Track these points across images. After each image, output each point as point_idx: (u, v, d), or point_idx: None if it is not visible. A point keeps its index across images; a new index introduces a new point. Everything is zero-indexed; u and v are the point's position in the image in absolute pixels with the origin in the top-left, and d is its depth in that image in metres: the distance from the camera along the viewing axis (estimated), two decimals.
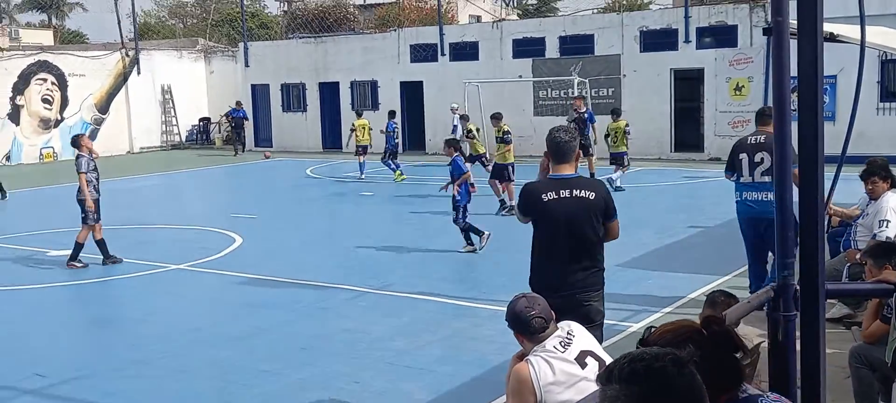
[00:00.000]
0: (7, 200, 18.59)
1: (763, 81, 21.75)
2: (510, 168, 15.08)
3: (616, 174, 16.97)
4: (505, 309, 4.12)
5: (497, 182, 15.29)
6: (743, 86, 22.40)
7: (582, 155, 17.87)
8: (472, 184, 12.28)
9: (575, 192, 5.09)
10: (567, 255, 5.11)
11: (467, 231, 11.91)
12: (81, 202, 11.77)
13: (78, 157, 11.95)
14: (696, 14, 23.18)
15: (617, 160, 17.68)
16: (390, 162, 20.33)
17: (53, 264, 12.16)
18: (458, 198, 11.93)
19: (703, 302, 4.84)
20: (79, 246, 11.70)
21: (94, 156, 12.14)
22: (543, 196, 5.10)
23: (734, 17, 22.61)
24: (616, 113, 18.65)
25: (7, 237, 14.21)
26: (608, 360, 3.86)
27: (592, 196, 5.15)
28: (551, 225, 5.11)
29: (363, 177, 20.64)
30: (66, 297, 10.41)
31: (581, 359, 3.82)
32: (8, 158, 27.53)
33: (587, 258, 5.17)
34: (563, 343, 3.85)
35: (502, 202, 15.10)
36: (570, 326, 3.99)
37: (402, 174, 20.11)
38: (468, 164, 13.22)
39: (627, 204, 16.10)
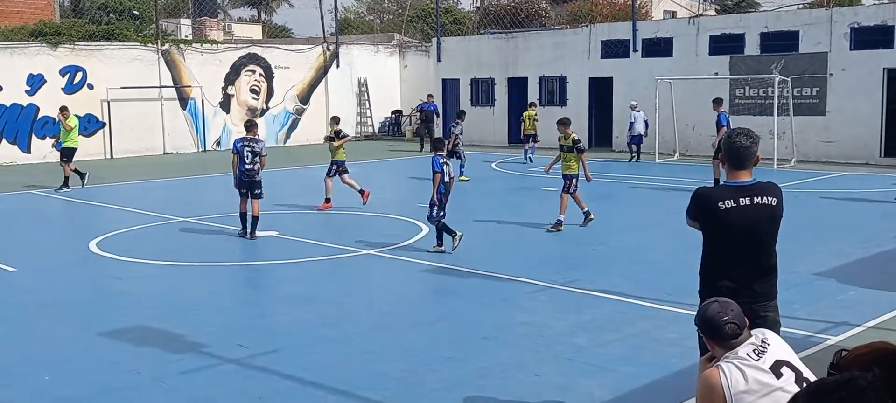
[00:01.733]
0: (84, 187, 19.21)
1: None
2: (575, 180, 13.61)
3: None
4: (690, 312, 4.01)
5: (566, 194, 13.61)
6: None
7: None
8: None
9: (757, 200, 4.83)
10: (746, 264, 4.83)
11: (441, 230, 11.78)
12: (260, 181, 13.30)
13: (257, 141, 13.39)
14: None
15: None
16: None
17: (255, 244, 12.97)
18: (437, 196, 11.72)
19: None
20: (256, 219, 13.20)
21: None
22: (720, 204, 4.79)
23: None
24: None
25: (216, 216, 15.30)
26: (805, 371, 3.67)
27: (774, 201, 4.89)
28: (729, 234, 4.82)
29: (529, 161, 23.19)
30: (266, 275, 11.09)
31: (776, 369, 3.65)
32: (218, 144, 29.62)
33: (766, 267, 4.90)
34: (756, 351, 3.70)
35: (586, 214, 13.78)
36: (764, 334, 3.82)
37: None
38: None
39: (828, 210, 15.19)
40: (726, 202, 4.80)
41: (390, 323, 8.67)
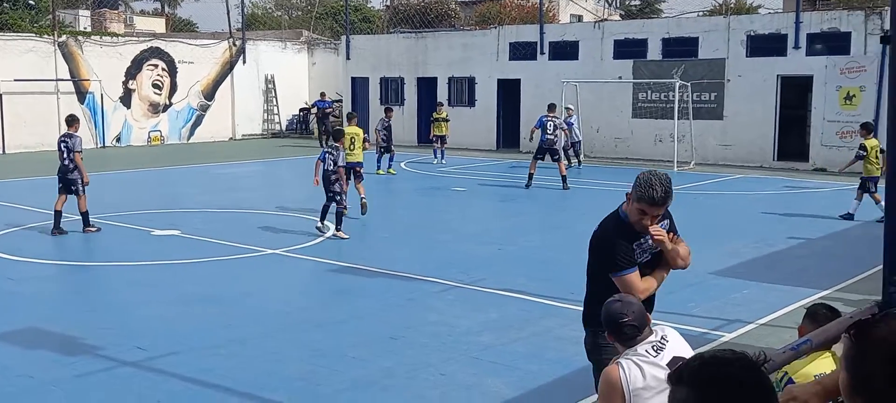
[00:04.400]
0: None
1: (876, 91, 20.86)
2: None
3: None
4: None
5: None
6: (854, 95, 21.54)
7: (551, 158, 17.85)
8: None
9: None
10: None
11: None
12: (74, 179, 12.89)
13: (72, 137, 13.02)
14: (808, 19, 22.41)
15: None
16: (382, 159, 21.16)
17: (155, 242, 12.63)
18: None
19: (803, 316, 4.66)
20: (85, 215, 12.96)
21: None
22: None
23: (848, 24, 21.75)
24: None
25: (113, 215, 14.83)
26: None
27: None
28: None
29: (440, 162, 23.27)
30: (165, 275, 10.79)
31: (673, 365, 3.75)
32: (118, 140, 28.73)
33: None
34: (655, 348, 3.79)
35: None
36: (664, 331, 3.92)
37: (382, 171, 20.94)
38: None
39: (724, 211, 15.73)
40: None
41: (294, 324, 8.56)
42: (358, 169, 15.11)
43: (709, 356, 1.94)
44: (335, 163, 12.93)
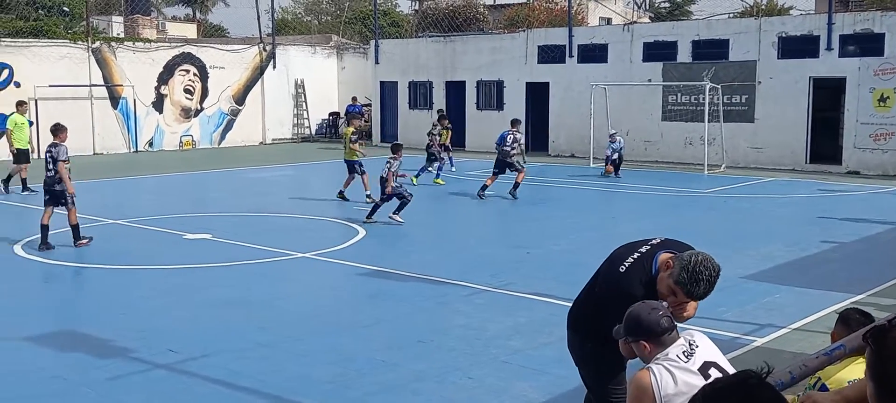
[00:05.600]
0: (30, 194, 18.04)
1: None
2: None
3: None
4: None
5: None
6: (888, 97, 21.24)
7: (510, 170, 17.49)
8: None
9: None
10: None
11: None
12: (61, 190, 12.24)
13: (57, 146, 12.35)
14: (840, 21, 22.14)
15: None
16: (429, 166, 20.68)
17: (187, 246, 12.76)
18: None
19: (836, 320, 4.61)
20: (76, 227, 12.39)
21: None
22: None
23: (881, 25, 21.47)
24: None
25: (146, 219, 15.00)
26: (732, 372, 3.74)
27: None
28: None
29: (453, 169, 22.61)
30: (197, 278, 10.89)
31: (704, 370, 3.71)
32: (150, 144, 29.05)
33: None
34: (686, 353, 3.75)
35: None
36: (693, 336, 3.89)
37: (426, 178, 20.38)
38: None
39: (756, 215, 15.58)
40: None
41: (324, 327, 8.61)
42: (358, 166, 16.75)
43: (722, 376, 1.96)
44: (389, 170, 14.27)
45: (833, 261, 11.62)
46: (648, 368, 3.73)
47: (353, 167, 16.94)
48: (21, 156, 18.35)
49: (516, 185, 17.36)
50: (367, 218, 14.46)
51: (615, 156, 21.42)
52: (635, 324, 3.82)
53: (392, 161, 14.50)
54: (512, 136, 17.90)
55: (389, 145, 15.96)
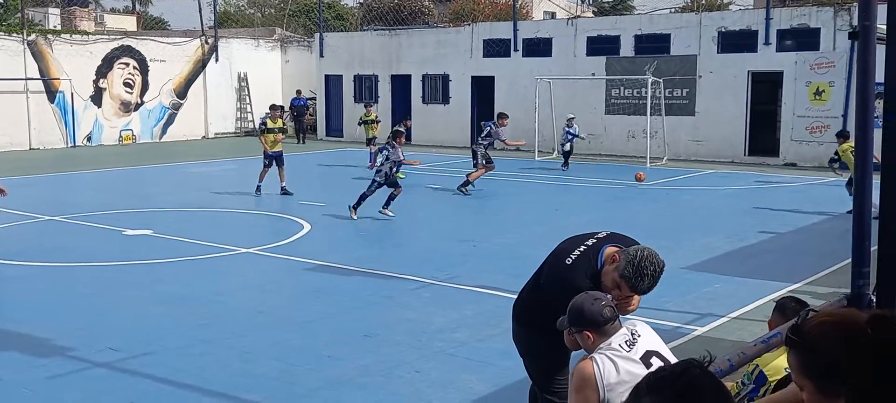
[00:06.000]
0: None
1: (845, 87, 21.14)
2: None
3: None
4: None
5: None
6: (823, 90, 21.80)
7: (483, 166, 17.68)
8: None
9: None
10: None
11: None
12: None
13: None
14: (778, 16, 22.64)
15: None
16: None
17: (128, 242, 12.52)
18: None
19: (772, 309, 4.72)
20: None
21: None
22: None
23: (817, 20, 22.02)
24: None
25: (85, 215, 14.69)
26: (674, 360, 3.81)
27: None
28: None
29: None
30: (138, 275, 10.70)
31: (646, 359, 3.77)
32: (89, 139, 28.44)
33: None
34: (628, 343, 3.81)
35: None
36: (635, 326, 3.95)
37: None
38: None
39: (696, 207, 15.87)
40: None
41: (269, 323, 8.53)
42: (275, 158, 16.94)
43: (662, 366, 1.98)
44: (387, 158, 14.45)
45: (770, 252, 11.89)
46: (591, 357, 3.77)
47: (273, 159, 16.97)
48: None
49: (465, 182, 17.31)
50: (353, 206, 14.30)
51: (567, 146, 21.53)
52: (579, 315, 3.86)
53: (389, 148, 14.51)
54: (489, 129, 18.01)
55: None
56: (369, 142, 22.37)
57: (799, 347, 2.11)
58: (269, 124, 17.40)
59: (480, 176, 17.56)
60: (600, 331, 3.82)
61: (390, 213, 14.23)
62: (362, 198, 14.27)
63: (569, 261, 4.49)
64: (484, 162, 17.59)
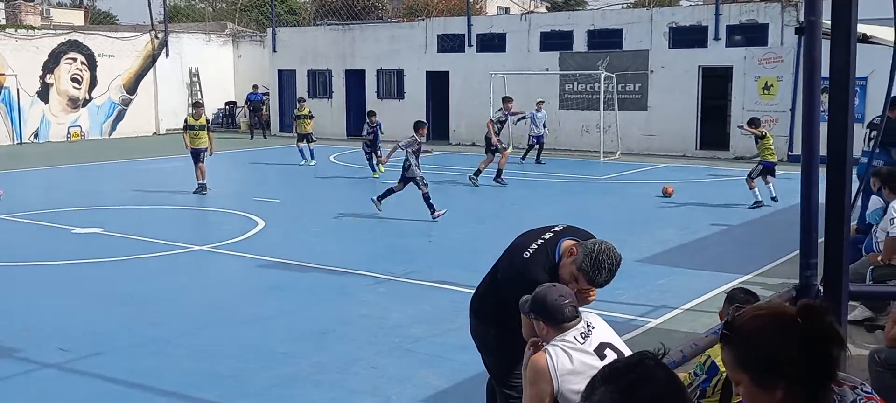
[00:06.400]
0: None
1: (792, 81, 21.54)
2: None
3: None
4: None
5: None
6: (772, 85, 22.19)
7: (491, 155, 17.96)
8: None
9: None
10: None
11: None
12: None
13: None
14: (727, 11, 22.98)
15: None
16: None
17: (77, 241, 12.29)
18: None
19: (723, 300, 4.80)
20: None
21: None
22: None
23: (765, 16, 22.39)
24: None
25: (33, 213, 14.38)
26: (628, 352, 3.84)
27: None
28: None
29: (312, 161, 21.57)
30: (88, 274, 10.50)
31: (600, 351, 3.80)
32: (36, 135, 27.85)
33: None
34: (582, 335, 3.84)
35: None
36: (588, 318, 3.98)
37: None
38: None
39: (649, 200, 16.06)
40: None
41: (223, 320, 8.43)
42: (204, 154, 16.64)
43: (615, 360, 2.00)
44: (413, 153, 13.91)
45: (722, 244, 12.08)
46: (545, 349, 3.79)
47: (198, 155, 16.64)
48: None
49: (478, 172, 17.83)
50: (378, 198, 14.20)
51: (534, 139, 21.54)
52: (541, 305, 3.88)
53: (414, 141, 14.07)
54: (505, 116, 18.56)
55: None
56: (303, 138, 21.83)
57: (733, 342, 2.15)
58: (190, 121, 17.04)
59: (505, 161, 18.06)
60: (557, 327, 3.84)
61: (380, 207, 14.08)
62: (390, 192, 14.15)
63: (526, 255, 4.51)
64: (502, 147, 18.21)
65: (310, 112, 22.62)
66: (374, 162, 19.31)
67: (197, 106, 17.74)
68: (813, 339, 2.08)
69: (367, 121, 19.83)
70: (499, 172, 17.82)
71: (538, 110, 21.69)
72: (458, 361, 7.08)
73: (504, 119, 18.75)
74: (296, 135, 22.33)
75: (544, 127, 21.98)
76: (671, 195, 15.79)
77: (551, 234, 4.58)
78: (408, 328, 8.05)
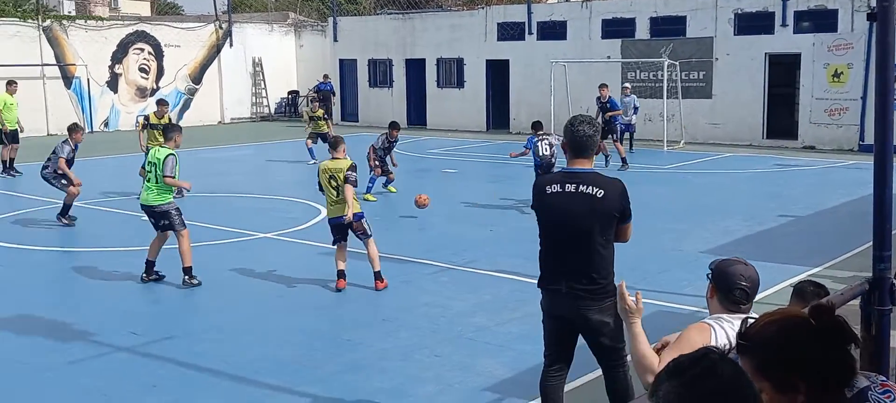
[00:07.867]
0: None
1: (864, 68, 20.93)
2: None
3: None
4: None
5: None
6: (842, 72, 21.61)
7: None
8: None
9: (582, 188, 4.73)
10: (560, 255, 4.82)
11: None
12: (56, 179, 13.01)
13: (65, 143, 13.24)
14: None
15: None
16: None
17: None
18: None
19: (791, 293, 4.70)
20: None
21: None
22: (548, 188, 4.81)
23: (835, 2, 21.79)
24: None
25: (103, 200, 14.78)
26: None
27: (600, 194, 4.73)
28: (548, 218, 4.84)
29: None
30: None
31: (744, 325, 3.68)
32: (106, 124, 28.57)
33: (582, 265, 4.76)
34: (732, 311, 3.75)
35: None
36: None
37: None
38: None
39: (714, 190, 15.80)
40: (553, 186, 4.81)
41: (288, 307, 8.57)
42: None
43: (685, 358, 1.98)
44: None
45: (789, 235, 11.83)
46: (707, 322, 3.69)
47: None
48: (11, 137, 18.32)
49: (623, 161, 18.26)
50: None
51: (623, 127, 19.89)
52: (721, 274, 3.79)
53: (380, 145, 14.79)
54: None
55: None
56: (319, 137, 19.72)
57: (749, 351, 2.17)
58: (152, 120, 15.66)
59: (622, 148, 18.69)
60: (726, 298, 3.74)
61: (372, 199, 14.55)
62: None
63: (618, 183, 4.87)
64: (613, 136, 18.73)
65: (324, 114, 20.96)
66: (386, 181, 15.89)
67: (160, 104, 16.44)
68: (827, 338, 2.12)
69: (387, 133, 15.63)
70: (624, 161, 18.25)
71: (626, 95, 20.78)
72: (520, 350, 7.09)
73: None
74: (307, 133, 20.57)
75: (634, 111, 20.67)
76: (424, 205, 13.09)
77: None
78: (469, 317, 8.08)
